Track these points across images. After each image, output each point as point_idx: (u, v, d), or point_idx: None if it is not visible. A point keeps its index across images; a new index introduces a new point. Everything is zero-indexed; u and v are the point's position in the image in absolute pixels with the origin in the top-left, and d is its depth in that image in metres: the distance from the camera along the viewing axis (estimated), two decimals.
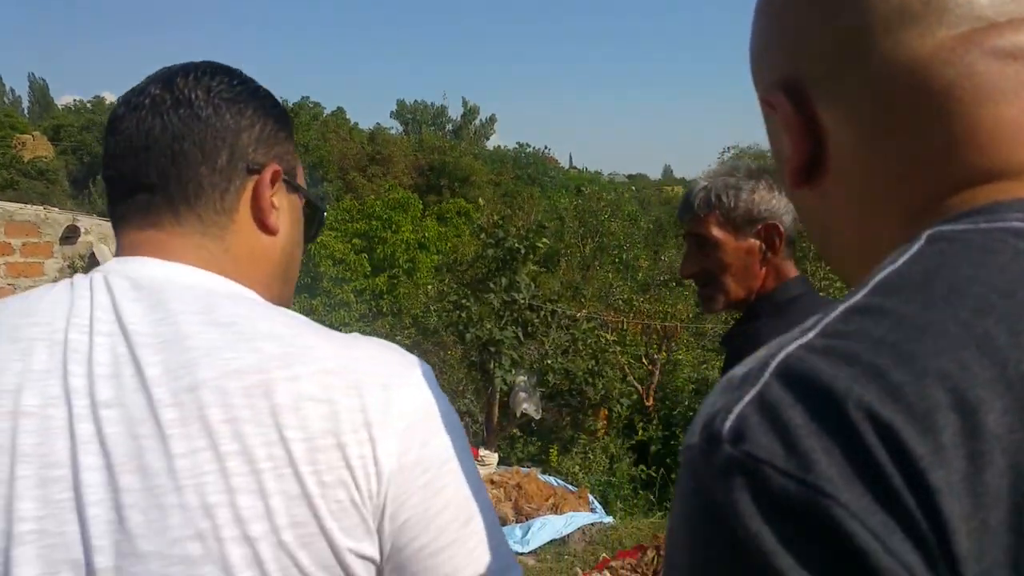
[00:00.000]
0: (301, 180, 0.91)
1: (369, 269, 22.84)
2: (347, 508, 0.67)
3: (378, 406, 0.70)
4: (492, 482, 6.22)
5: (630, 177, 56.64)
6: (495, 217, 9.46)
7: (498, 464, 7.55)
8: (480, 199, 11.75)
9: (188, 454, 0.66)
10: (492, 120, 47.37)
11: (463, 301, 9.24)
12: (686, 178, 55.01)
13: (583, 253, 14.54)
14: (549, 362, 9.25)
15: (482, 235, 9.46)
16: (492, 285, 9.23)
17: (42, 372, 0.70)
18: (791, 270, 1.75)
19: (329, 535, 0.67)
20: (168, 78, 0.82)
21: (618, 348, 10.30)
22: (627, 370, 10.61)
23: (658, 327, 11.09)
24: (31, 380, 0.69)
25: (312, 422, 0.67)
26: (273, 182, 0.84)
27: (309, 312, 20.78)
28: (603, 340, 9.96)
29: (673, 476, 9.77)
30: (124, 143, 0.80)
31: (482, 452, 7.49)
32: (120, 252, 0.80)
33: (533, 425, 10.14)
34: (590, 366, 9.23)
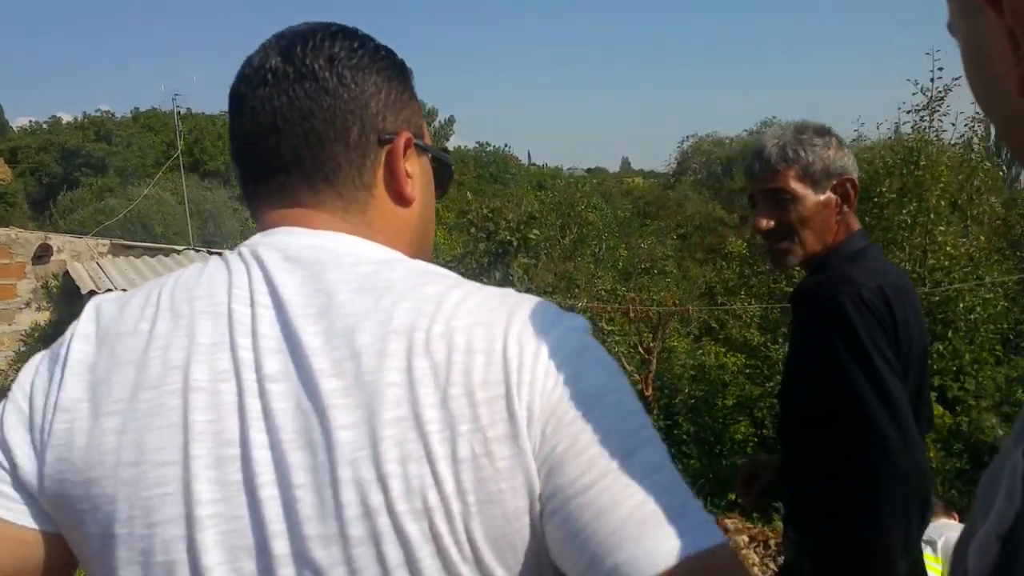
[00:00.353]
0: (427, 139, 0.88)
1: None
2: (514, 466, 0.63)
3: (531, 349, 0.66)
4: None
5: (589, 171, 56.86)
6: (484, 210, 9.18)
7: None
8: (468, 193, 11.43)
9: (353, 425, 0.63)
10: (451, 121, 47.00)
11: None
12: (643, 170, 55.30)
13: (563, 244, 14.34)
14: None
15: (472, 229, 9.18)
16: (485, 280, 8.96)
17: (209, 345, 0.68)
18: (855, 223, 1.79)
19: (501, 499, 0.63)
20: (287, 48, 0.78)
21: (616, 339, 10.09)
22: (624, 361, 10.41)
23: (651, 315, 10.92)
24: (199, 354, 0.67)
25: (473, 375, 0.64)
26: (405, 150, 0.81)
27: None
28: (603, 331, 9.75)
29: (679, 467, 9.56)
30: (252, 125, 0.77)
31: None
32: (263, 228, 0.78)
33: None
34: None
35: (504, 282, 9.03)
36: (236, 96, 0.79)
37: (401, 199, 0.81)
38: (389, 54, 0.83)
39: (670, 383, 10.73)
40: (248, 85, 0.78)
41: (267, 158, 0.77)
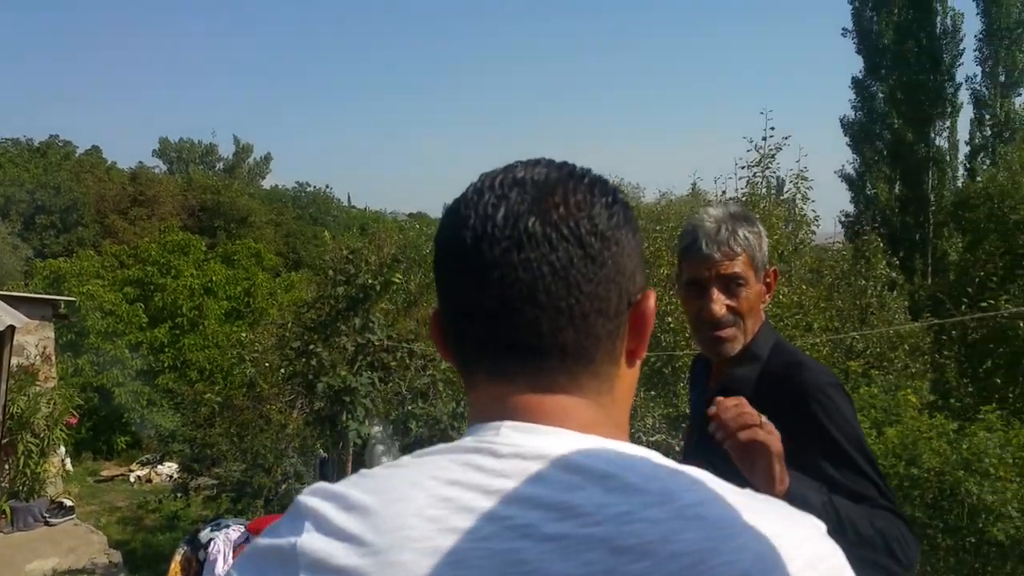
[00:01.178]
0: None
1: (146, 320, 20.51)
2: None
3: None
4: None
5: (411, 215, 56.97)
6: (344, 252, 8.62)
7: None
8: (326, 233, 10.70)
9: None
10: (267, 159, 45.05)
11: (311, 347, 8.27)
12: None
13: (407, 289, 13.91)
14: (411, 408, 8.53)
15: (329, 272, 8.56)
16: (343, 327, 8.37)
17: None
18: (762, 313, 1.85)
19: None
20: (541, 205, 0.69)
21: None
22: None
23: None
24: None
25: None
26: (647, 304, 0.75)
27: (76, 373, 18.24)
28: None
29: None
30: (502, 294, 0.68)
31: None
32: (506, 415, 0.69)
33: None
34: (452, 409, 8.64)
35: (364, 329, 8.50)
36: (475, 256, 0.69)
37: (634, 359, 0.75)
38: (626, 202, 0.75)
39: None
40: (494, 246, 0.68)
41: (520, 334, 0.69)
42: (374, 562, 0.61)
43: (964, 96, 24.40)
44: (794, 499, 1.44)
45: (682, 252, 1.82)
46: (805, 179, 11.37)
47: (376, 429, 8.49)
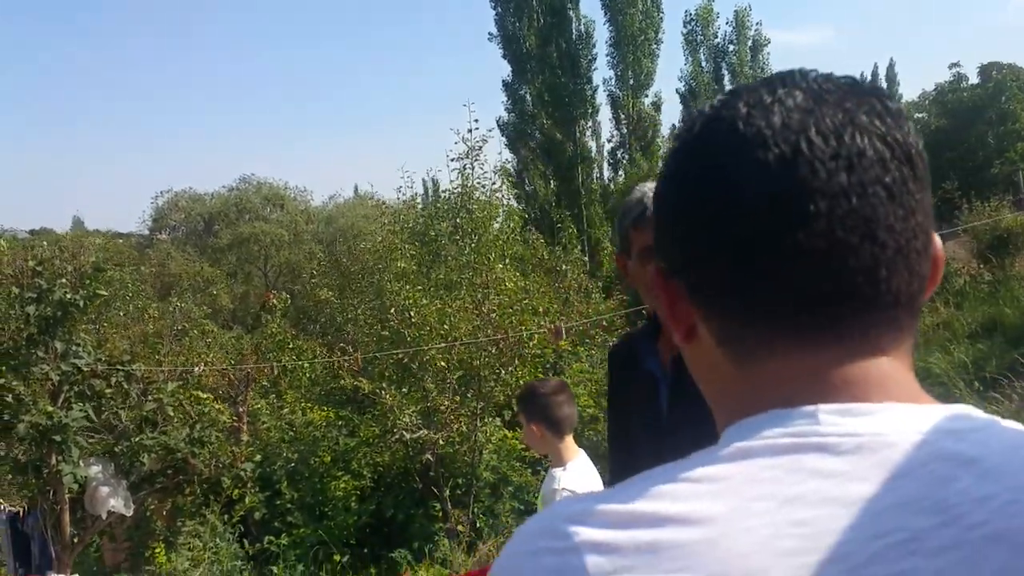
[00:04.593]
0: None
1: None
2: None
3: None
4: None
5: (33, 232, 49.29)
6: (30, 263, 6.96)
7: None
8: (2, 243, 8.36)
9: None
10: None
11: (1, 382, 6.59)
12: (100, 229, 49.80)
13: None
14: (138, 439, 7.23)
15: (15, 289, 6.88)
16: (41, 354, 6.79)
17: None
18: None
19: None
20: (852, 112, 0.56)
21: (216, 406, 8.58)
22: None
23: (231, 378, 9.66)
24: None
25: None
26: None
27: None
28: (196, 398, 8.21)
29: (286, 539, 8.61)
30: (825, 227, 0.54)
31: None
32: (819, 392, 0.55)
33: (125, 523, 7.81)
34: (187, 434, 7.51)
35: (68, 354, 7.00)
36: (790, 182, 0.54)
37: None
38: None
39: (268, 449, 9.61)
40: (818, 169, 0.54)
41: (851, 280, 0.55)
42: None
43: (602, 97, 27.65)
44: None
45: (634, 222, 1.83)
46: (508, 172, 11.95)
47: (95, 469, 7.06)
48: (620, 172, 27.26)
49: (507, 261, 11.48)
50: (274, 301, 13.86)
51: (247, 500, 8.78)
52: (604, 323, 12.75)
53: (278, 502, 9.05)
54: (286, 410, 10.34)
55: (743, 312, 0.58)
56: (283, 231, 28.80)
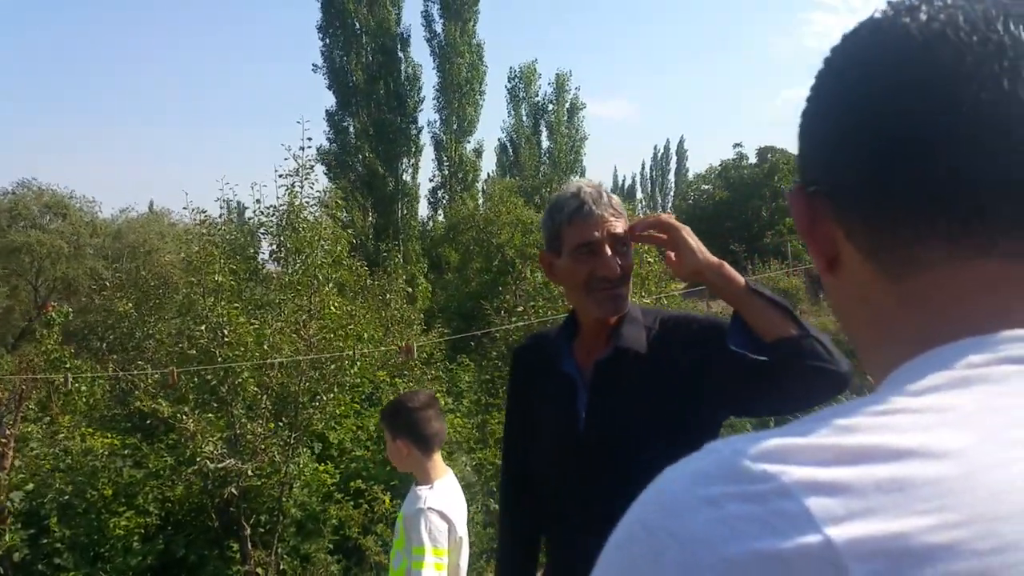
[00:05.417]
0: None
1: None
2: None
3: None
4: None
5: None
6: None
7: None
8: None
9: None
10: None
11: None
12: None
13: None
14: None
15: None
16: None
17: None
18: None
19: None
20: (997, 12, 0.54)
21: None
22: None
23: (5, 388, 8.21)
24: None
25: None
26: None
27: None
28: None
29: None
30: (973, 111, 0.51)
31: None
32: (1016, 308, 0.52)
33: None
34: None
35: None
36: (935, 69, 0.52)
37: None
38: None
39: (37, 479, 8.18)
40: (962, 52, 0.52)
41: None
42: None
43: (426, 138, 27.78)
44: (762, 294, 1.61)
45: (569, 216, 1.79)
46: (339, 196, 11.45)
47: None
48: (439, 211, 27.33)
49: (331, 285, 10.91)
50: (53, 314, 12.21)
51: (7, 538, 7.42)
52: (426, 354, 12.46)
53: (45, 540, 7.73)
54: (62, 435, 8.96)
55: (894, 214, 0.54)
56: (63, 243, 25.74)
